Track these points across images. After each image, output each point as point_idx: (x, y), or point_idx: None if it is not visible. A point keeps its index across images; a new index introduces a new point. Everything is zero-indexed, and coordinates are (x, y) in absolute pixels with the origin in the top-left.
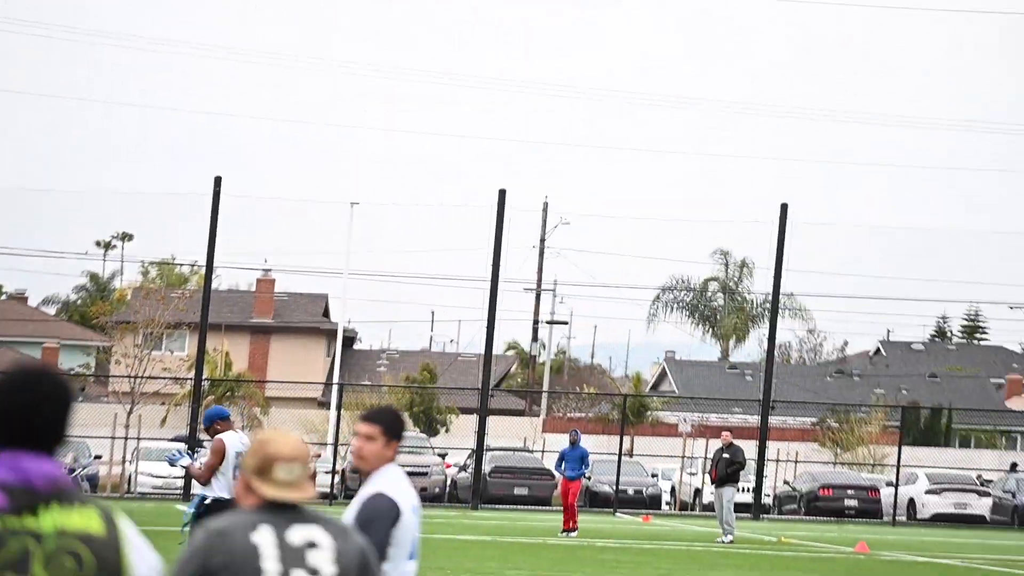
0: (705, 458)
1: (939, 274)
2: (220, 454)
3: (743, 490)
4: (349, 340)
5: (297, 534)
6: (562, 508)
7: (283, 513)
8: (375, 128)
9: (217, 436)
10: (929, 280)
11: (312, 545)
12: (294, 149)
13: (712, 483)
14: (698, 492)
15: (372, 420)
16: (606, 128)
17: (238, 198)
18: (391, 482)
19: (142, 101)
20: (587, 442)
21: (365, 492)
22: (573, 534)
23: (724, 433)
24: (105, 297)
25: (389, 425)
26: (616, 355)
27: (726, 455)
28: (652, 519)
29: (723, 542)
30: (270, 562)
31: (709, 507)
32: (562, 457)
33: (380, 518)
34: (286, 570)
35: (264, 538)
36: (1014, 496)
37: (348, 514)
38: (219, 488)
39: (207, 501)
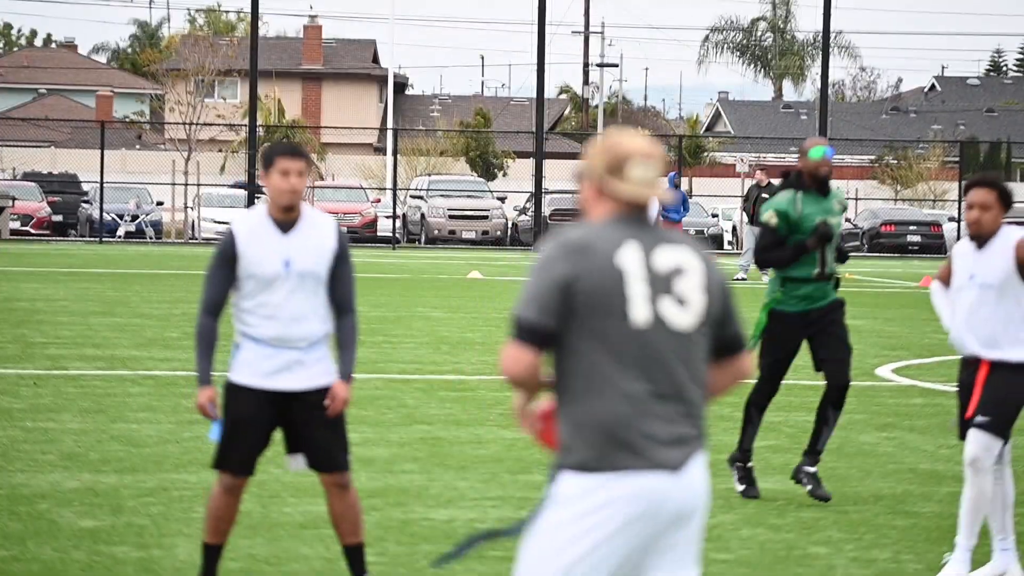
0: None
1: (993, 7)
2: None
3: None
4: (400, 86)
5: (665, 256)
6: None
7: (646, 229)
8: None
9: None
10: (983, 14)
11: (681, 270)
12: None
13: (750, 221)
14: None
15: (300, 155)
16: None
17: None
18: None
19: None
20: None
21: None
22: None
23: (758, 172)
24: (154, 45)
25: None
26: (669, 97)
27: (765, 195)
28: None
29: (759, 278)
30: (637, 286)
31: None
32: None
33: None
34: (654, 296)
35: (630, 258)
36: None
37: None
38: None
39: None
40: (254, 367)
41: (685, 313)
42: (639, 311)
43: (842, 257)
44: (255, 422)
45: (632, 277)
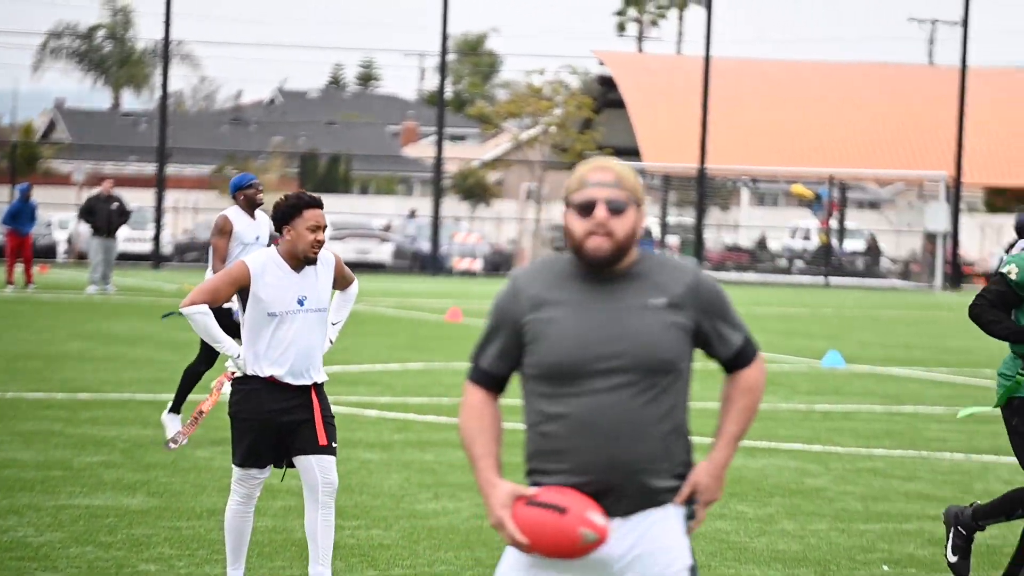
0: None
1: (334, 20)
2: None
3: (141, 239)
4: None
5: None
6: (10, 263)
7: None
8: None
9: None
10: (324, 23)
11: None
12: None
13: (94, 233)
14: None
15: None
16: None
17: None
18: None
19: None
20: None
21: None
22: (32, 287)
23: (105, 182)
24: None
25: None
26: (2, 103)
27: (115, 205)
28: (49, 269)
29: (106, 291)
30: None
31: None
32: (15, 212)
33: None
34: None
35: None
36: (414, 241)
37: None
38: None
39: None
40: None
41: None
42: None
43: None
44: None
45: None
